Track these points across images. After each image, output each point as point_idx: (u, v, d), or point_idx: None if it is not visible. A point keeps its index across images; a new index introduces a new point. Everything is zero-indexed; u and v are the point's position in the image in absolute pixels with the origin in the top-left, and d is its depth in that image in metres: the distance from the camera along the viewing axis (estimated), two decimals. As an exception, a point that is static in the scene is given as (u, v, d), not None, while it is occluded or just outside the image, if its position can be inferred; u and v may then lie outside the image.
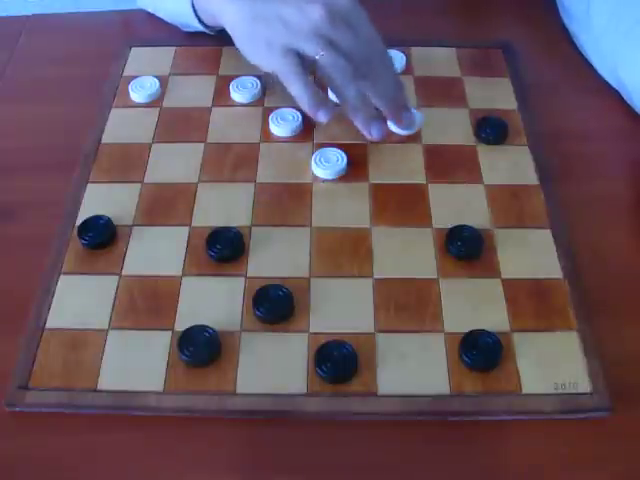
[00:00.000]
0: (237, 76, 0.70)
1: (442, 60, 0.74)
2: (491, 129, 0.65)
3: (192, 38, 0.76)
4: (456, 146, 0.65)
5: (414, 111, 0.65)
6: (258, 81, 0.70)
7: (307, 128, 0.66)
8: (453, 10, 0.82)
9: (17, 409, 0.49)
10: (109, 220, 0.58)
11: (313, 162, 0.62)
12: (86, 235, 0.57)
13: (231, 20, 0.64)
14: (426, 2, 0.82)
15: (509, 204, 0.60)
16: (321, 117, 0.60)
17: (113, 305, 0.53)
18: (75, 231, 0.58)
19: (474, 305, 0.53)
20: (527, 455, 0.47)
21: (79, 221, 0.58)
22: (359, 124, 0.63)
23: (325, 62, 0.59)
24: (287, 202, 0.60)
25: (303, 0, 0.60)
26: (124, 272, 0.55)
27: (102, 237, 0.57)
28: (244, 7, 0.62)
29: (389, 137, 0.64)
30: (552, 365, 0.50)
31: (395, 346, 0.51)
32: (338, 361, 0.49)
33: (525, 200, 0.60)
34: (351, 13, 0.60)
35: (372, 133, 0.63)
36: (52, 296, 0.54)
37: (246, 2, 0.62)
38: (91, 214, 0.59)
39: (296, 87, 0.60)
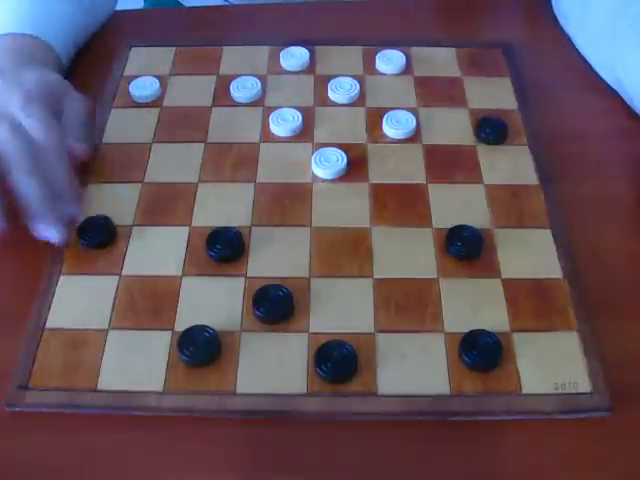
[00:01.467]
0: (237, 76, 0.70)
1: (442, 60, 0.74)
2: (491, 129, 0.65)
3: (192, 38, 0.76)
4: (456, 146, 0.65)
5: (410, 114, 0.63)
6: (258, 81, 0.70)
7: (307, 128, 0.66)
8: (453, 10, 0.82)
9: (17, 409, 0.49)
10: (109, 220, 0.58)
11: (313, 162, 0.62)
12: (86, 235, 0.57)
13: None
14: (426, 2, 0.82)
15: (509, 204, 0.60)
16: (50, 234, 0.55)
17: (113, 305, 0.53)
18: (75, 231, 0.58)
19: (474, 305, 0.53)
20: (527, 455, 0.47)
21: (79, 221, 0.58)
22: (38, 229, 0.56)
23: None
24: (287, 202, 0.60)
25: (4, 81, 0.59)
26: (124, 272, 0.55)
27: (102, 237, 0.57)
28: None
29: (383, 139, 0.65)
30: (552, 365, 0.50)
31: (395, 346, 0.51)
32: (338, 361, 0.49)
33: (525, 200, 0.60)
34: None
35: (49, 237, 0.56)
36: (52, 296, 0.54)
37: None
38: (91, 214, 0.59)
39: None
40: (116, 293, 0.54)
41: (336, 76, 0.71)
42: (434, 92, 0.70)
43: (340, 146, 0.64)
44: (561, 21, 0.77)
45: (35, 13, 0.69)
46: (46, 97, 0.60)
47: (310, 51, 0.73)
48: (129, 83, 0.70)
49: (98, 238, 0.57)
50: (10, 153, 0.55)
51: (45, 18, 0.69)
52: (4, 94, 0.59)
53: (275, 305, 0.52)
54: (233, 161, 0.64)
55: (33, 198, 0.55)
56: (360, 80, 0.70)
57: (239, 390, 0.49)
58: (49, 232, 0.55)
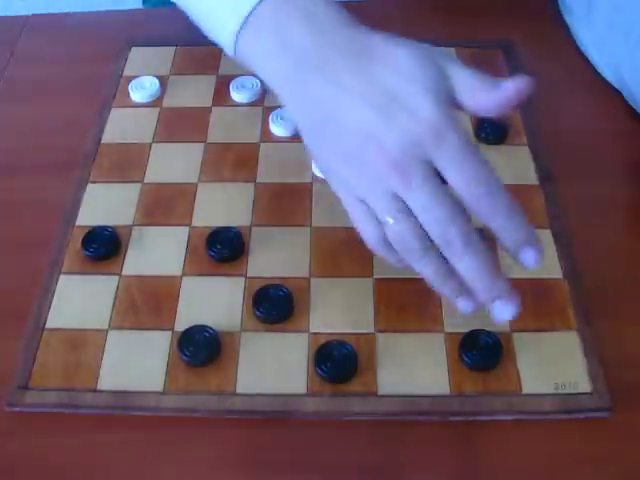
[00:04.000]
0: (237, 76, 0.70)
1: (442, 60, 0.73)
2: (491, 129, 0.65)
3: (192, 38, 0.76)
4: (456, 146, 0.65)
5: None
6: (258, 81, 0.70)
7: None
8: (453, 10, 0.81)
9: (17, 409, 0.49)
10: (114, 231, 0.57)
11: (313, 162, 0.62)
12: (90, 247, 0.56)
13: (291, 109, 0.49)
14: (426, 2, 0.82)
15: (509, 204, 0.60)
16: (461, 305, 0.46)
17: (113, 305, 0.53)
18: (74, 230, 0.58)
19: (474, 305, 0.53)
20: (527, 455, 0.47)
21: (79, 221, 0.59)
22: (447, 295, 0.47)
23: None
24: (287, 202, 0.60)
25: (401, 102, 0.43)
26: (124, 272, 0.55)
27: (107, 248, 0.56)
28: (302, 98, 0.46)
29: None
30: (552, 365, 0.50)
31: (395, 346, 0.51)
32: (338, 361, 0.49)
33: (525, 200, 0.60)
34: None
35: (459, 306, 0.47)
36: (52, 296, 0.54)
37: (305, 89, 0.46)
38: (91, 214, 0.59)
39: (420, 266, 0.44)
40: (116, 293, 0.54)
41: (336, 76, 0.71)
42: (434, 92, 0.70)
43: (340, 146, 0.64)
44: (566, 16, 0.77)
45: None
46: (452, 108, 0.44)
47: (310, 51, 0.73)
48: (129, 83, 0.70)
49: (103, 249, 0.56)
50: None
51: None
52: (393, 122, 0.42)
53: (275, 305, 0.52)
54: (233, 161, 0.64)
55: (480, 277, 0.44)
56: (360, 80, 0.70)
57: (239, 390, 0.49)
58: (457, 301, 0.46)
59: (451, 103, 0.44)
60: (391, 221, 0.43)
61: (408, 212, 0.43)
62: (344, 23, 0.47)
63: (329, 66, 0.45)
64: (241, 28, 0.48)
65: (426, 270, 0.45)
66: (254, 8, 0.48)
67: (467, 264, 0.43)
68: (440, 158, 0.42)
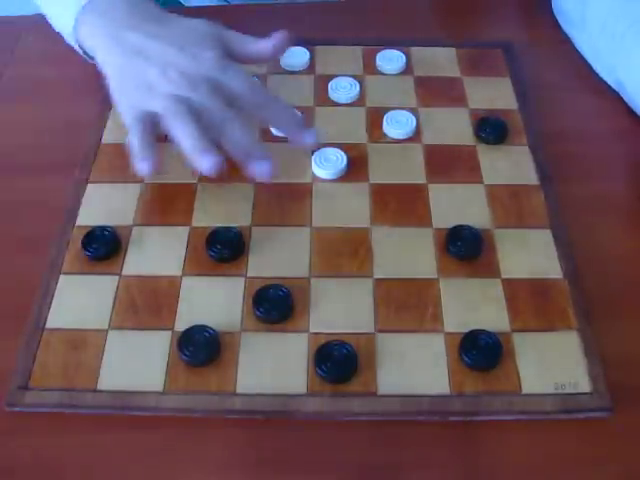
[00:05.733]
0: (237, 76, 0.70)
1: (442, 60, 0.74)
2: (491, 129, 0.65)
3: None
4: (456, 146, 0.65)
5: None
6: (258, 81, 0.70)
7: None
8: (453, 10, 0.82)
9: (17, 409, 0.48)
10: (113, 231, 0.57)
11: (313, 162, 0.62)
12: (90, 247, 0.56)
13: (105, 59, 0.62)
14: (426, 2, 0.82)
15: (509, 204, 0.60)
16: (205, 164, 0.55)
17: (113, 305, 0.53)
18: (74, 230, 0.58)
19: (474, 305, 0.53)
20: (527, 455, 0.47)
21: (79, 221, 0.58)
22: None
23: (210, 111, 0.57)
24: (287, 202, 0.60)
25: (192, 45, 0.59)
26: (124, 272, 0.55)
27: (107, 248, 0.56)
28: (118, 47, 0.60)
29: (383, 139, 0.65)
30: (552, 365, 0.50)
31: (395, 346, 0.51)
32: (338, 361, 0.49)
33: (525, 200, 0.60)
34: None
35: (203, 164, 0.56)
36: (52, 296, 0.54)
37: (121, 41, 0.60)
38: (91, 214, 0.59)
39: (182, 126, 0.56)
40: (116, 293, 0.54)
41: (336, 76, 0.71)
42: (434, 92, 0.70)
43: (340, 146, 0.64)
44: (561, 21, 0.77)
45: None
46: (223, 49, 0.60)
47: (310, 51, 0.73)
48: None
49: (103, 249, 0.56)
50: (216, 116, 0.56)
51: None
52: (187, 54, 0.58)
53: (275, 305, 0.52)
54: (233, 161, 0.63)
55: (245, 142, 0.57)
56: (360, 80, 0.70)
57: (239, 390, 0.49)
58: (264, 165, 0.57)
59: (228, 55, 0.60)
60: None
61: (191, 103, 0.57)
62: (154, 8, 0.64)
63: (141, 26, 0.61)
64: (79, 14, 0.64)
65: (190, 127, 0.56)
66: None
67: (237, 131, 0.57)
68: (226, 79, 0.58)
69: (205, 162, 0.55)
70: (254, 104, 0.59)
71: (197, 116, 0.56)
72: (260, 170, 0.57)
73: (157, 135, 0.58)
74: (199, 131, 0.56)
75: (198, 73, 0.57)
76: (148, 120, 0.58)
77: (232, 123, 0.57)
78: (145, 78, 0.58)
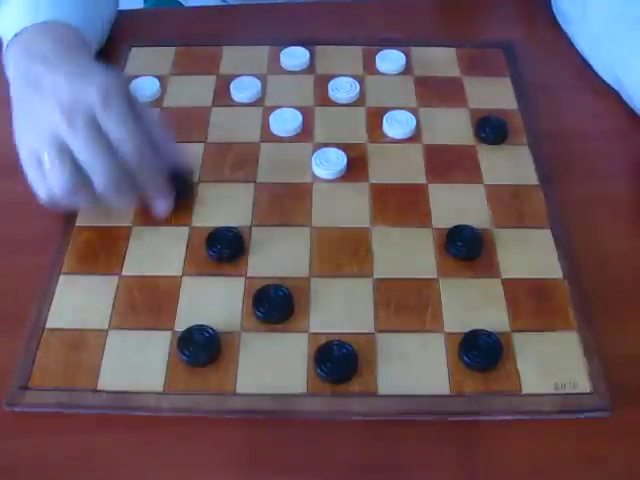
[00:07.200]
0: (237, 76, 0.70)
1: (442, 60, 0.74)
2: (491, 129, 0.65)
3: (192, 38, 0.76)
4: (456, 146, 0.65)
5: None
6: (258, 81, 0.70)
7: (307, 128, 0.66)
8: (453, 10, 0.82)
9: (17, 409, 0.48)
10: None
11: (313, 162, 0.62)
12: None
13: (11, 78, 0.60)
14: (426, 2, 0.82)
15: (509, 204, 0.60)
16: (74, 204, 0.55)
17: (113, 305, 0.53)
18: (74, 231, 0.58)
19: (474, 305, 0.53)
20: (527, 455, 0.47)
21: (79, 222, 0.58)
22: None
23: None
24: (287, 202, 0.60)
25: (80, 74, 0.56)
26: (124, 272, 0.55)
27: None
28: (20, 67, 0.58)
29: (383, 139, 0.65)
30: (552, 365, 0.50)
31: (395, 346, 0.51)
32: (338, 361, 0.49)
33: (525, 200, 0.60)
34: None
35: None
36: (52, 296, 0.54)
37: (21, 63, 0.59)
38: (91, 214, 0.59)
39: (57, 172, 0.54)
40: (116, 293, 0.54)
41: (336, 76, 0.71)
42: (434, 92, 0.70)
43: (340, 146, 0.64)
44: (560, 21, 0.77)
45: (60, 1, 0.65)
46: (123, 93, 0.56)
47: (310, 51, 0.73)
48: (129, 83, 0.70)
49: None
50: (90, 161, 0.54)
51: (72, 3, 0.66)
52: (76, 88, 0.54)
53: (275, 305, 0.52)
54: (233, 161, 0.64)
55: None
56: (360, 80, 0.70)
57: (239, 390, 0.49)
58: (161, 203, 0.58)
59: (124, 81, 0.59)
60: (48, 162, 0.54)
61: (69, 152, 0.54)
62: (83, 54, 0.62)
63: (49, 60, 0.58)
64: (14, 37, 0.62)
65: (61, 180, 0.54)
66: (23, 29, 0.62)
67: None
68: (104, 118, 0.54)
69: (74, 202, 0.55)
70: (127, 153, 0.55)
71: (71, 156, 0.54)
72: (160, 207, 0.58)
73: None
74: (70, 175, 0.54)
75: (77, 106, 0.54)
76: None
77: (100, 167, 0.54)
78: (31, 109, 0.56)
